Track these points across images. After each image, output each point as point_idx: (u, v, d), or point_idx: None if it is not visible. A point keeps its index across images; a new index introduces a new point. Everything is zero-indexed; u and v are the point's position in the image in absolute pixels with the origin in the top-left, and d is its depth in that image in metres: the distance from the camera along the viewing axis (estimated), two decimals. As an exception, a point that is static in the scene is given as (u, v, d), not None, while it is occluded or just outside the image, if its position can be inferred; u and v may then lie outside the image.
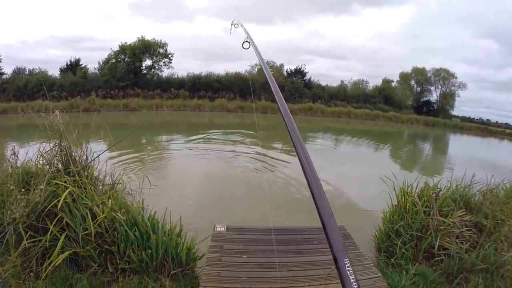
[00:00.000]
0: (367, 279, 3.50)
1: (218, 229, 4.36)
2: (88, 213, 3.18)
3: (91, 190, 3.47)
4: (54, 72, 34.57)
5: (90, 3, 68.87)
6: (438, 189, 4.74)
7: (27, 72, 34.69)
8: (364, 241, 4.70)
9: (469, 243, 3.90)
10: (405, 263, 3.93)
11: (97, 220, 3.19)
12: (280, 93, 1.05)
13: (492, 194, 4.81)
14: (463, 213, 4.19)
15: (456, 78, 45.07)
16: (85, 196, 3.33)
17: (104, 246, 3.24)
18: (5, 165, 3.97)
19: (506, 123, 46.96)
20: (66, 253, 3.04)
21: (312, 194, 0.73)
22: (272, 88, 1.09)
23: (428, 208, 4.33)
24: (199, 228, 4.54)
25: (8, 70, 34.42)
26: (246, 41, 1.29)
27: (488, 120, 49.35)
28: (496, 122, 48.43)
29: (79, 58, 35.44)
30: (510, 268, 3.58)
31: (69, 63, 34.57)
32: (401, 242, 4.19)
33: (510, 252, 3.69)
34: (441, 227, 4.06)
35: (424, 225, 4.19)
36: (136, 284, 3.13)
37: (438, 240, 3.91)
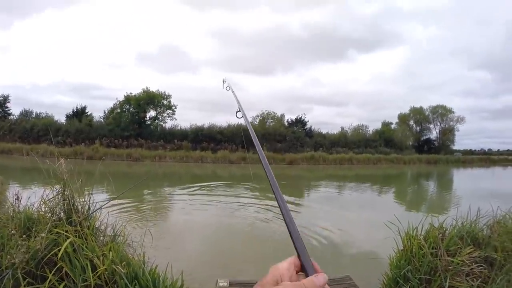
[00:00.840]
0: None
1: (221, 284, 4.20)
2: (88, 264, 3.11)
3: (92, 241, 3.43)
4: (60, 117, 35.71)
5: (99, 51, 72.26)
6: (444, 229, 4.65)
7: (34, 115, 35.75)
8: (372, 290, 4.54)
9: (480, 279, 3.77)
10: (416, 308, 3.80)
11: (97, 272, 3.11)
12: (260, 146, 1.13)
13: (500, 225, 4.72)
14: (471, 249, 4.08)
15: (453, 112, 46.20)
16: (86, 247, 3.28)
17: (104, 300, 3.15)
18: (6, 207, 3.98)
19: (507, 150, 47.26)
20: None
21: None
22: (253, 141, 1.17)
23: (435, 249, 4.23)
24: (201, 281, 4.43)
25: (15, 111, 35.64)
26: (238, 111, 1.34)
27: (490, 149, 49.78)
28: (498, 150, 48.78)
29: (85, 106, 36.73)
30: (525, 299, 3.45)
31: (75, 109, 35.65)
32: (409, 287, 4.07)
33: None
34: (450, 267, 3.94)
35: (432, 267, 4.07)
36: None
37: (448, 281, 3.78)
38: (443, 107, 46.38)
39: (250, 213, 10.22)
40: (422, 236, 4.56)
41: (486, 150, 49.00)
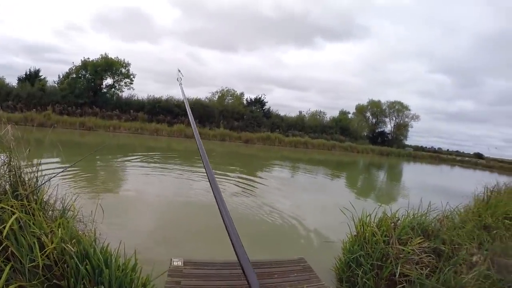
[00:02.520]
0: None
1: (175, 263, 4.14)
2: (36, 242, 2.86)
3: (40, 216, 3.16)
4: (12, 80, 32.80)
5: (56, 10, 66.76)
6: (396, 219, 4.89)
7: None
8: (325, 273, 4.69)
9: (429, 268, 4.00)
10: (367, 292, 3.96)
11: (46, 251, 2.88)
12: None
13: (448, 220, 5.05)
14: (421, 240, 4.32)
15: (409, 110, 48.51)
16: (33, 224, 3.02)
17: (53, 281, 2.91)
18: None
19: (456, 151, 50.65)
20: (11, 287, 2.71)
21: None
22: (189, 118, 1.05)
23: (387, 237, 4.42)
24: (155, 260, 4.31)
25: (-42, 70, 32.42)
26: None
27: (439, 148, 52.76)
28: (447, 150, 51.80)
29: (39, 69, 34.04)
30: (470, 289, 3.71)
31: (28, 72, 32.98)
32: (362, 271, 4.24)
33: (469, 274, 3.83)
34: (401, 255, 4.14)
35: (384, 254, 4.26)
36: (87, 324, 2.84)
37: (398, 268, 3.97)
38: (400, 104, 48.64)
39: (207, 189, 10.11)
40: (375, 224, 4.75)
41: (436, 149, 52.19)
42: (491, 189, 6.50)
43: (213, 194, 0.69)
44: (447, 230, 4.67)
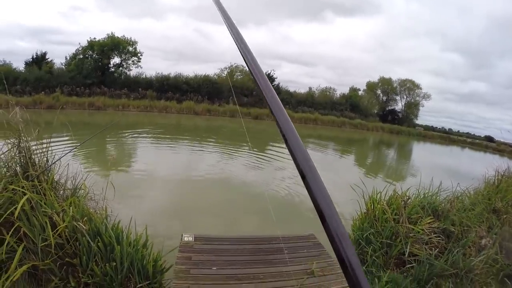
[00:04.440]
0: (340, 288, 3.48)
1: (186, 239, 4.19)
2: (48, 222, 2.90)
3: (51, 196, 3.20)
4: (19, 65, 32.69)
5: None
6: (407, 197, 4.84)
7: None
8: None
9: (437, 249, 3.99)
10: (376, 270, 3.96)
11: (57, 230, 2.93)
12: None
13: (458, 201, 5.00)
14: (431, 220, 4.30)
15: (421, 89, 47.27)
16: (45, 203, 3.06)
17: (65, 259, 2.98)
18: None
19: (467, 133, 49.64)
20: (24, 267, 2.76)
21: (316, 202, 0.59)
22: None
23: (397, 215, 4.39)
24: (165, 236, 4.36)
25: (-32, 58, 32.30)
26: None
27: (450, 129, 51.69)
28: (458, 131, 50.85)
29: (45, 52, 33.69)
30: (478, 272, 3.70)
31: (35, 56, 32.85)
32: (371, 249, 4.23)
33: (478, 257, 3.82)
34: (411, 234, 4.14)
35: (394, 232, 4.25)
36: (99, 299, 2.91)
37: (408, 247, 3.96)
38: (411, 82, 47.33)
39: (216, 167, 10.16)
40: (385, 202, 4.71)
41: (447, 129, 51.11)
42: (502, 173, 6.36)
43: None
44: (457, 212, 4.62)
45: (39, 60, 32.46)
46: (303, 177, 0.65)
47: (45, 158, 3.61)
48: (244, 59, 0.87)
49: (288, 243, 4.41)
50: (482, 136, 47.91)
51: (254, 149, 13.34)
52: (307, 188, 0.63)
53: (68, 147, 5.70)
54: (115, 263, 3.05)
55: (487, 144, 40.17)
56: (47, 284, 2.94)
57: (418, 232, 4.12)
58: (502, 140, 35.64)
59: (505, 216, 5.05)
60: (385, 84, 47.89)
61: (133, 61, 34.96)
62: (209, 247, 4.12)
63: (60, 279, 2.98)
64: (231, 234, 4.71)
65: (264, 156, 12.75)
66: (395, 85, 48.02)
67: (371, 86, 48.31)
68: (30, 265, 2.83)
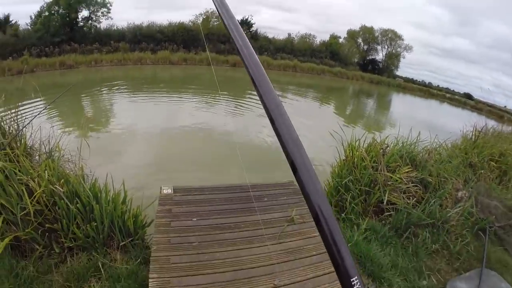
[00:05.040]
0: (319, 235, 3.58)
1: (165, 191, 4.12)
2: (24, 189, 2.81)
3: (24, 162, 3.07)
4: None
5: None
6: (386, 145, 4.90)
7: None
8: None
9: (415, 198, 4.13)
10: (355, 217, 4.09)
11: (35, 196, 2.85)
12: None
13: (436, 152, 5.12)
14: (409, 169, 4.39)
15: (403, 40, 46.57)
16: (19, 171, 2.95)
17: (46, 225, 2.93)
18: None
19: (446, 88, 50.03)
20: (6, 239, 2.69)
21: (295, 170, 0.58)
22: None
23: (376, 163, 4.46)
24: (144, 189, 4.32)
25: None
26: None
27: (430, 83, 51.91)
28: (438, 86, 51.18)
29: (8, 14, 31.22)
30: (454, 224, 3.88)
31: None
32: (350, 196, 4.32)
33: (454, 209, 3.99)
34: (389, 183, 4.23)
35: (373, 180, 4.33)
36: (85, 262, 2.91)
37: (386, 195, 4.07)
38: (393, 32, 46.30)
39: (195, 116, 10.05)
40: (364, 149, 4.75)
41: (427, 83, 51.20)
42: (479, 129, 6.46)
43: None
44: (434, 163, 4.73)
45: (3, 24, 30.17)
46: (273, 122, 0.68)
47: (16, 125, 3.43)
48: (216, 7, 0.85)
49: (267, 191, 4.44)
50: (461, 92, 48.51)
51: (232, 97, 13.11)
52: (276, 135, 0.66)
53: (39, 109, 5.46)
54: (95, 223, 3.03)
55: (465, 101, 40.69)
56: (31, 254, 2.91)
57: (396, 180, 4.21)
58: (481, 99, 36.26)
59: (481, 171, 5.20)
60: (367, 32, 46.98)
61: (102, 12, 32.82)
62: (189, 198, 4.10)
63: (43, 247, 2.96)
64: (210, 184, 4.69)
65: (242, 105, 12.65)
66: (376, 34, 47.14)
67: (352, 34, 47.36)
68: (12, 236, 2.78)
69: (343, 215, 4.23)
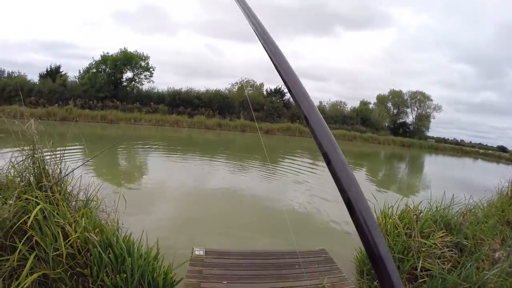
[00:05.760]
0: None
1: (197, 252, 4.23)
2: (60, 232, 2.95)
3: (64, 206, 3.25)
4: (33, 77, 33.87)
5: (72, 8, 68.10)
6: (419, 211, 4.78)
7: (5, 75, 33.78)
8: (345, 265, 4.65)
9: (450, 263, 3.91)
10: (389, 286, 3.88)
11: (69, 240, 2.97)
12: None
13: (471, 214, 4.92)
14: (443, 234, 4.23)
15: (431, 100, 47.01)
16: (57, 214, 3.11)
17: (76, 269, 3.01)
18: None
19: (479, 143, 48.82)
20: (35, 275, 2.79)
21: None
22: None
23: (409, 229, 4.33)
24: (176, 249, 4.36)
25: (-15, 71, 33.44)
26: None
27: (462, 140, 50.92)
28: (470, 142, 50.00)
29: (59, 65, 34.77)
30: (492, 286, 3.60)
31: (49, 69, 33.84)
32: (384, 265, 4.15)
33: (491, 270, 3.72)
34: (423, 249, 4.06)
35: (406, 247, 4.18)
36: (110, 310, 2.92)
37: (420, 262, 3.89)
38: (422, 94, 47.18)
39: (228, 180, 10.17)
40: (397, 216, 4.66)
41: (459, 141, 50.33)
42: None
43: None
44: (470, 225, 4.54)
45: (53, 73, 33.37)
46: (328, 161, 0.62)
47: (59, 169, 3.68)
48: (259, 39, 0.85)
49: (299, 258, 4.39)
50: (495, 146, 47.17)
51: (267, 164, 13.37)
52: (332, 174, 0.60)
53: (81, 159, 5.82)
54: (125, 275, 3.06)
55: (500, 154, 39.42)
56: (57, 293, 2.96)
57: (431, 246, 4.05)
58: None
59: None
60: (396, 96, 47.74)
61: (145, 75, 35.78)
62: (220, 261, 4.13)
63: (70, 289, 3.00)
64: (242, 249, 4.72)
65: (277, 169, 12.75)
66: (405, 97, 47.86)
67: (381, 99, 48.19)
68: (41, 273, 2.86)
69: (375, 283, 4.05)
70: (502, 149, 42.89)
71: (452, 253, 4.02)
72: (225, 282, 3.62)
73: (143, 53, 35.29)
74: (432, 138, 46.91)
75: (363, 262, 4.53)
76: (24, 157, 3.48)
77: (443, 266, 3.83)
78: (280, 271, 4.04)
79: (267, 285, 3.69)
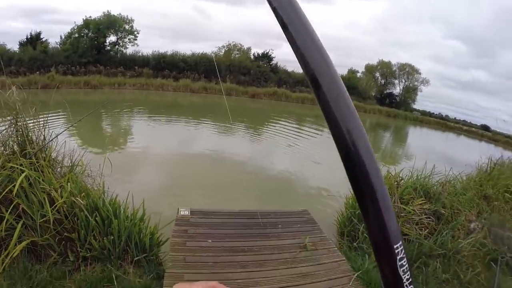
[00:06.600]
0: (332, 262, 3.62)
1: (182, 212, 4.31)
2: (46, 198, 2.95)
3: (49, 173, 3.23)
4: (13, 45, 32.06)
5: None
6: (400, 178, 4.94)
7: None
8: (327, 225, 4.83)
9: (427, 230, 4.11)
10: (367, 247, 4.08)
11: (56, 206, 2.98)
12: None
13: (450, 185, 5.11)
14: (422, 201, 4.39)
15: (420, 74, 46.86)
16: (43, 180, 3.09)
17: (64, 234, 3.04)
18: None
19: (464, 120, 49.45)
20: (23, 243, 2.82)
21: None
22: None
23: (390, 195, 4.46)
24: (162, 210, 4.42)
25: (-41, 41, 31.57)
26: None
27: (447, 115, 51.38)
28: (455, 118, 50.61)
29: (40, 32, 32.91)
30: (466, 254, 3.82)
31: (29, 36, 32.17)
32: (363, 227, 4.32)
33: (466, 239, 3.94)
34: (402, 214, 4.23)
35: (386, 211, 4.33)
36: (98, 273, 2.99)
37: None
38: (410, 66, 46.82)
39: (213, 142, 10.22)
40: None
41: (444, 116, 50.75)
42: (495, 161, 6.44)
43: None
44: (448, 195, 4.73)
45: (34, 40, 31.74)
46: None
47: (42, 136, 3.62)
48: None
49: (282, 218, 4.53)
50: (479, 124, 47.78)
51: (251, 128, 13.37)
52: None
53: (65, 125, 5.71)
54: (112, 237, 3.12)
55: (482, 132, 40.02)
56: (46, 259, 3.01)
57: (409, 212, 4.22)
58: (498, 130, 35.62)
59: (495, 203, 5.16)
60: (384, 67, 47.47)
61: (129, 39, 34.35)
62: (205, 220, 4.24)
63: (58, 254, 3.05)
64: (227, 208, 4.82)
65: (260, 134, 12.80)
66: (394, 68, 47.61)
67: (370, 69, 47.88)
68: (29, 241, 2.89)
69: (355, 244, 4.24)
70: (485, 128, 43.47)
71: (429, 220, 4.21)
72: (210, 241, 3.74)
73: (127, 16, 33.82)
74: (418, 111, 47.22)
75: (344, 224, 4.70)
76: (7, 125, 3.40)
77: (420, 232, 4.02)
78: (263, 230, 4.16)
79: (250, 243, 3.82)
